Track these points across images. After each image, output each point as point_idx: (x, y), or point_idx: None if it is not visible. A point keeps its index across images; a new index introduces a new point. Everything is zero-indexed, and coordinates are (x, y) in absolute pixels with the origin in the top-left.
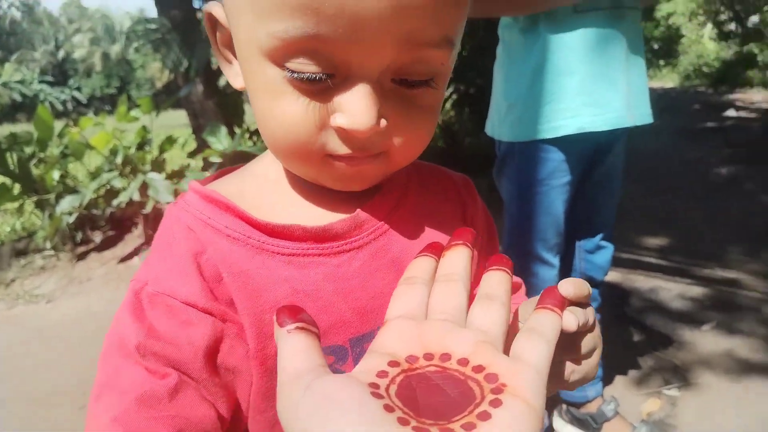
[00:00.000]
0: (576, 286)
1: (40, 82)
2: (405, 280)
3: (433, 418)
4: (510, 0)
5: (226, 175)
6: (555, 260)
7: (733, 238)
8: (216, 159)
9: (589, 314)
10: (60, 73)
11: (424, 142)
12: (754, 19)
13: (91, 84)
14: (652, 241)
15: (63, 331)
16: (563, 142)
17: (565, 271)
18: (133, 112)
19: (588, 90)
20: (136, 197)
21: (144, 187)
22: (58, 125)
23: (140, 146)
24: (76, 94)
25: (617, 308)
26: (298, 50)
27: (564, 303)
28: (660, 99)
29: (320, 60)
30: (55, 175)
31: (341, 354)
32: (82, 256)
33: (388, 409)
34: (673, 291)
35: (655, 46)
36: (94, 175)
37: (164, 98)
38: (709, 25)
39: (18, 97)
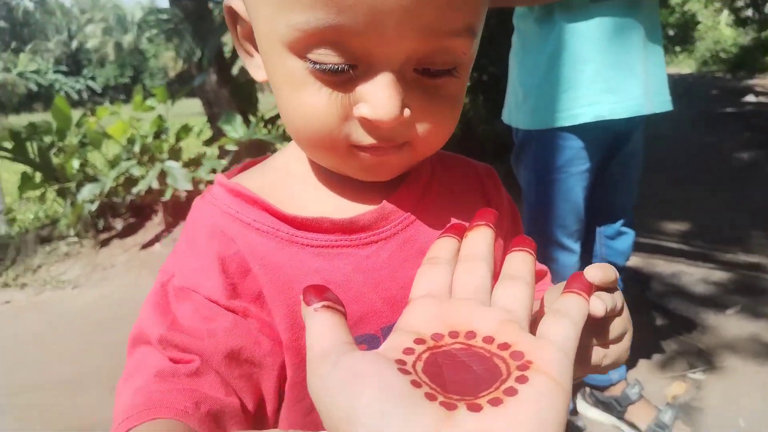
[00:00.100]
0: (603, 270)
1: (55, 72)
2: (428, 260)
3: (460, 393)
4: None
5: (251, 168)
6: (576, 246)
7: (755, 223)
8: (232, 147)
9: (617, 298)
10: (74, 62)
11: (448, 131)
12: None
13: (104, 73)
14: (672, 227)
15: (89, 317)
16: (581, 130)
17: (586, 257)
18: (149, 102)
19: (605, 77)
20: (155, 185)
21: (162, 175)
22: (75, 115)
23: (157, 135)
24: (90, 83)
25: (640, 293)
26: (319, 41)
27: (591, 288)
28: (677, 85)
29: (341, 50)
30: (75, 163)
31: (374, 343)
32: (105, 243)
33: (416, 384)
34: (695, 275)
35: (671, 33)
36: (112, 163)
37: (178, 87)
38: (726, 12)
39: (34, 87)
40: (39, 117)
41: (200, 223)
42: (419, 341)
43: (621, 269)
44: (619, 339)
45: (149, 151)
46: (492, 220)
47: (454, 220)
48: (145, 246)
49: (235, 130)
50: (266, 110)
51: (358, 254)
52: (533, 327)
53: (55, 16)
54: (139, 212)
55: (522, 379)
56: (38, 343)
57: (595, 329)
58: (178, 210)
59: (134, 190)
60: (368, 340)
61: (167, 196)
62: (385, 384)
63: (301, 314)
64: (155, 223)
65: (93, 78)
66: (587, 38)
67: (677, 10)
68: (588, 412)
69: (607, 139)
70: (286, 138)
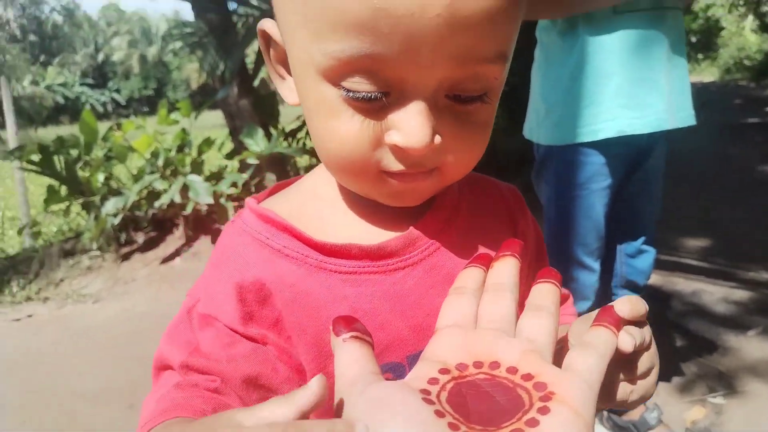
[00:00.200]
0: (632, 305)
1: (81, 84)
2: (454, 290)
3: (483, 424)
4: (550, 2)
5: (280, 192)
6: (595, 265)
7: None
8: (253, 160)
9: (646, 333)
10: (100, 75)
11: (478, 156)
12: None
13: (129, 86)
14: (693, 243)
15: (110, 331)
16: (603, 146)
17: (606, 276)
18: (173, 115)
19: (627, 92)
20: (177, 199)
21: (184, 189)
22: (101, 127)
23: (180, 148)
24: (115, 95)
25: (658, 312)
26: (353, 69)
27: (620, 322)
28: (699, 94)
29: (375, 79)
30: (100, 177)
31: (399, 371)
32: (126, 257)
33: (439, 414)
34: (716, 294)
35: (693, 39)
36: (136, 177)
37: (200, 99)
38: (750, 17)
39: (61, 100)
40: (65, 129)
41: (227, 249)
42: (444, 371)
43: (641, 289)
44: (646, 374)
45: (172, 165)
46: (518, 251)
47: (480, 246)
48: (166, 260)
49: (257, 143)
50: (287, 123)
51: (385, 281)
52: (559, 357)
53: (82, 29)
54: (161, 226)
55: (544, 410)
56: (59, 357)
57: (622, 364)
58: (198, 224)
59: (157, 204)
60: (394, 368)
61: (188, 210)
62: (410, 413)
63: (328, 341)
64: (176, 237)
65: (118, 90)
66: (611, 52)
67: (700, 16)
68: None
69: (629, 155)
70: (306, 151)
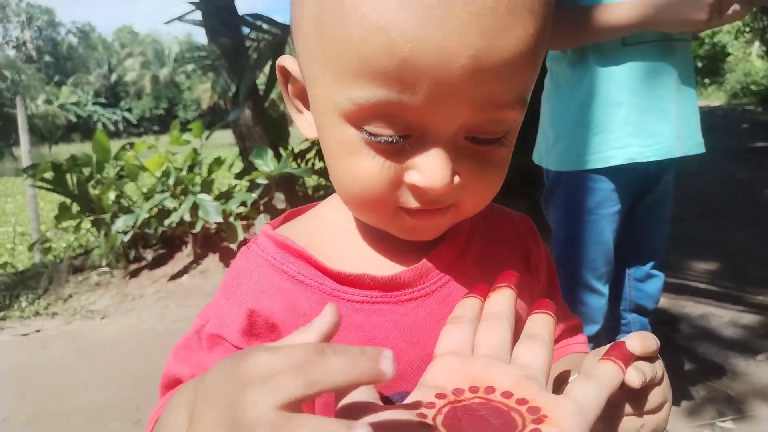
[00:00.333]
0: (643, 341)
1: (94, 103)
2: (452, 319)
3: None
4: (560, 33)
5: (294, 220)
6: (604, 289)
7: None
8: (262, 180)
9: (658, 368)
10: (112, 95)
11: (493, 194)
12: None
13: (141, 105)
14: (701, 266)
15: (117, 347)
16: (612, 172)
17: (615, 300)
18: (185, 136)
19: (636, 121)
20: (187, 217)
21: (194, 208)
22: (112, 146)
23: (190, 168)
24: (126, 114)
25: (666, 335)
26: (376, 115)
27: (630, 358)
28: (706, 118)
29: (397, 123)
30: (111, 195)
31: None
32: (134, 274)
33: None
34: (724, 318)
35: (700, 65)
36: (147, 195)
37: (210, 119)
38: (757, 43)
39: (73, 118)
40: (77, 147)
41: (241, 273)
42: (440, 396)
43: (650, 313)
44: (658, 409)
45: (182, 184)
46: (514, 282)
47: (492, 279)
48: (174, 277)
49: (266, 164)
50: (296, 143)
51: (398, 311)
52: (562, 387)
53: (96, 50)
54: (170, 243)
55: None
56: (66, 372)
57: (633, 398)
58: (207, 242)
59: (166, 222)
60: (405, 398)
61: (197, 228)
62: None
63: None
64: (184, 255)
65: (129, 110)
66: (620, 81)
67: (707, 42)
68: None
69: (638, 181)
70: (315, 172)
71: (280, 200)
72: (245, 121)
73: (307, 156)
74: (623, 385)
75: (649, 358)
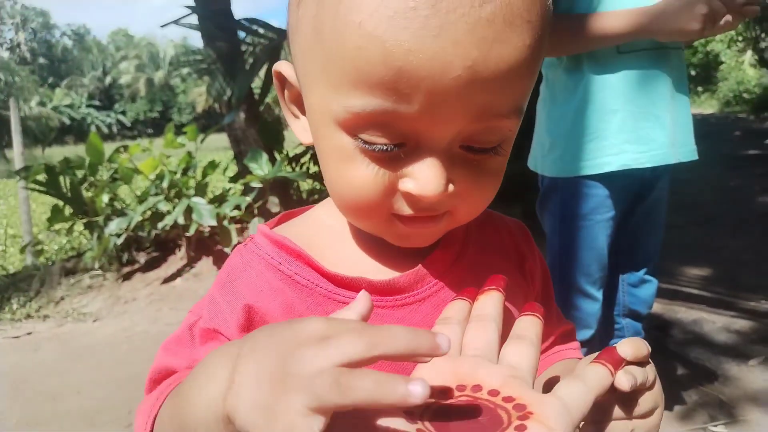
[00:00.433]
0: (634, 346)
1: (88, 106)
2: (441, 321)
3: None
4: (555, 41)
5: (291, 221)
6: (598, 294)
7: None
8: (256, 184)
9: (649, 373)
10: (106, 97)
11: (488, 202)
12: None
13: (135, 108)
14: (693, 272)
15: (109, 350)
16: (607, 178)
17: (609, 305)
18: (180, 139)
19: (631, 127)
20: (181, 220)
21: (188, 211)
22: (106, 149)
23: (185, 171)
24: (120, 117)
25: (659, 340)
26: (371, 123)
27: (620, 362)
28: (699, 126)
29: (392, 131)
30: (105, 198)
31: None
32: (127, 277)
33: None
34: (717, 323)
35: (693, 73)
36: (140, 198)
37: (205, 122)
38: (750, 52)
39: (67, 120)
40: (70, 149)
41: (237, 269)
42: None
43: (643, 318)
44: (649, 414)
45: (176, 187)
46: (502, 285)
47: None
48: (167, 280)
49: (261, 167)
50: (291, 147)
51: (393, 315)
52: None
53: (91, 53)
54: (163, 246)
55: (521, 428)
56: (57, 375)
57: (625, 403)
58: (201, 245)
59: (160, 225)
60: None
61: (191, 232)
62: (392, 431)
63: None
64: (178, 258)
65: (123, 112)
66: (615, 89)
67: (700, 50)
68: None
69: (633, 188)
70: (309, 176)
71: (274, 204)
72: (240, 124)
73: (302, 160)
74: (614, 389)
75: (641, 363)
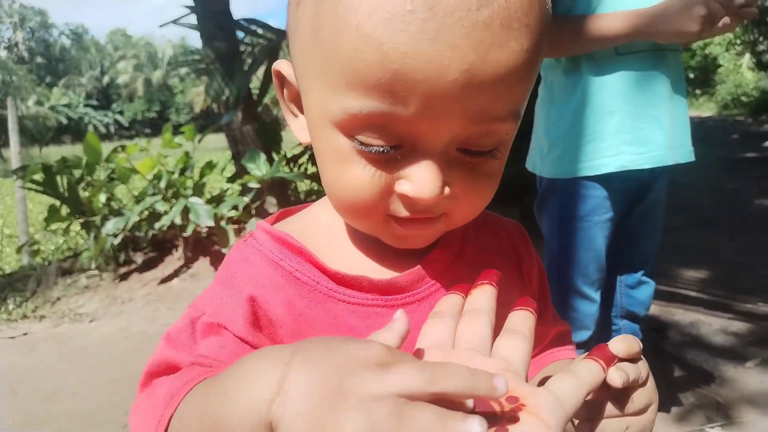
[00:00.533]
0: (626, 343)
1: (85, 105)
2: (434, 315)
3: None
4: (554, 42)
5: (289, 218)
6: (596, 295)
7: None
8: (254, 184)
9: (642, 370)
10: (104, 97)
11: (485, 204)
12: None
13: (133, 108)
14: (691, 274)
15: (105, 350)
16: (605, 179)
17: (606, 306)
18: (177, 139)
19: (629, 128)
20: (178, 221)
21: (185, 211)
22: (103, 148)
23: (182, 171)
24: (118, 117)
25: (656, 342)
26: (368, 125)
27: (612, 359)
28: (697, 129)
29: (389, 133)
30: (102, 198)
31: None
32: (124, 277)
33: None
34: (714, 326)
35: (691, 76)
36: (138, 198)
37: (203, 122)
38: (747, 55)
39: (64, 120)
40: (67, 149)
41: (239, 265)
42: None
43: (641, 319)
44: (643, 410)
45: (174, 187)
46: (495, 280)
47: None
48: (164, 281)
49: (259, 168)
50: (289, 148)
51: (392, 315)
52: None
53: (89, 52)
54: (160, 247)
55: (513, 420)
56: (54, 376)
57: (618, 400)
58: (198, 246)
59: (157, 225)
60: None
61: (188, 232)
62: None
63: None
64: (175, 258)
65: (121, 112)
66: (613, 90)
67: (698, 53)
68: None
69: (631, 189)
70: (307, 176)
71: (272, 204)
72: (238, 125)
73: (300, 160)
74: (608, 387)
75: (633, 360)
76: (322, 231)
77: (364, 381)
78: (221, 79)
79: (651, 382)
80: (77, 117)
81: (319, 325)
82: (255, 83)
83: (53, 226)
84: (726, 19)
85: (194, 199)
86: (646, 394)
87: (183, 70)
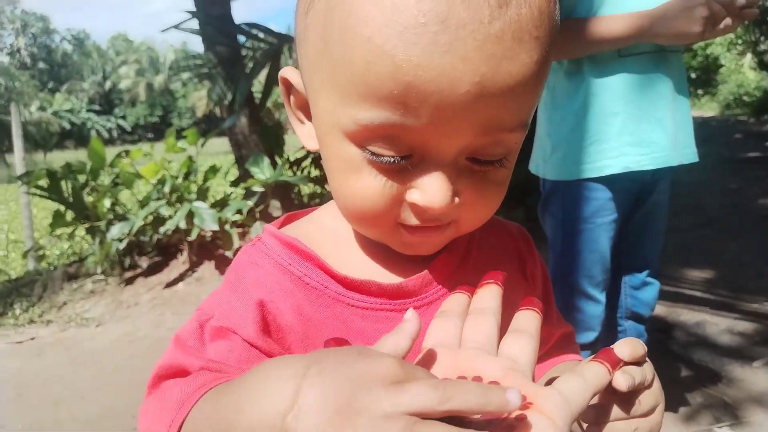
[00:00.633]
0: (632, 347)
1: (88, 110)
2: (440, 314)
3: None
4: (557, 44)
5: (296, 222)
6: (601, 296)
7: None
8: (258, 188)
9: (647, 372)
10: (106, 102)
11: (493, 212)
12: None
13: (135, 113)
14: (696, 274)
15: (111, 355)
16: (609, 181)
17: (612, 307)
18: (180, 143)
19: (632, 130)
20: (182, 225)
21: (189, 215)
22: (107, 153)
23: (186, 175)
24: (121, 122)
25: (663, 343)
26: (379, 136)
27: (617, 362)
28: (700, 129)
29: (400, 144)
30: (107, 203)
31: None
32: (129, 281)
33: None
34: (720, 326)
35: (693, 76)
36: (142, 203)
37: (205, 126)
38: (749, 55)
39: (67, 125)
40: (70, 154)
41: (248, 270)
42: None
43: (646, 320)
44: (650, 412)
45: (178, 191)
46: (500, 279)
47: None
48: (169, 285)
49: (263, 171)
50: (292, 151)
51: (401, 319)
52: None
53: (91, 57)
54: (165, 251)
55: (521, 418)
56: (60, 381)
57: (625, 402)
58: (202, 250)
59: (162, 230)
60: None
61: (193, 236)
62: None
63: None
64: (180, 262)
65: (124, 117)
66: (615, 91)
67: (700, 54)
68: None
69: (634, 190)
70: (311, 180)
71: (276, 208)
72: (241, 128)
73: (303, 164)
74: (614, 390)
75: (638, 363)
76: (329, 236)
77: (378, 399)
78: (223, 83)
79: (657, 384)
80: (80, 122)
81: (328, 329)
82: (257, 87)
83: (58, 231)
84: (727, 20)
85: (198, 204)
86: (652, 396)
87: (185, 75)
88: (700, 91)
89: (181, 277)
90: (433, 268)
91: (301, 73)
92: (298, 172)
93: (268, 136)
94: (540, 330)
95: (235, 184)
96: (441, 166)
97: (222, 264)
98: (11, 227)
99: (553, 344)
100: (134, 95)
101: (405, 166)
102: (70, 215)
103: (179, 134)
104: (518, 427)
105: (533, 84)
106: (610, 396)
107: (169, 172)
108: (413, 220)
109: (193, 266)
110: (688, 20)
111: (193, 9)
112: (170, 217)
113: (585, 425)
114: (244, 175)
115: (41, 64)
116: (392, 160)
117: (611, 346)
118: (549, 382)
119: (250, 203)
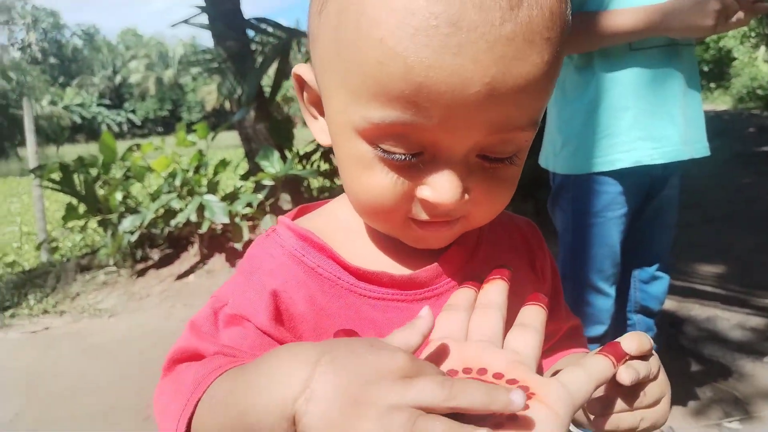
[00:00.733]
0: (638, 341)
1: (98, 105)
2: (447, 308)
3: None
4: (566, 40)
5: (309, 214)
6: (611, 290)
7: None
8: (268, 182)
9: (653, 365)
10: (117, 96)
11: (502, 208)
12: None
13: (145, 107)
14: (707, 269)
15: (124, 346)
16: (619, 175)
17: (621, 301)
18: (190, 137)
19: (644, 124)
20: (193, 218)
21: (200, 208)
22: (119, 147)
23: (196, 169)
24: (131, 116)
25: (673, 337)
26: (390, 134)
27: (623, 356)
28: (712, 122)
29: (411, 142)
30: (118, 196)
31: None
32: (141, 273)
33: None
34: (731, 320)
35: (706, 69)
36: (153, 196)
37: (214, 120)
38: (763, 48)
39: (78, 119)
40: (81, 148)
41: (262, 260)
42: None
43: (655, 314)
44: (656, 403)
45: (189, 185)
46: (507, 276)
47: None
48: (180, 277)
49: (272, 165)
50: (301, 145)
51: (412, 309)
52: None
53: (101, 52)
54: (176, 243)
55: (524, 407)
56: (74, 371)
57: (631, 394)
58: (213, 242)
59: (173, 222)
60: None
61: (204, 229)
62: None
63: None
64: (191, 255)
65: (133, 111)
66: (626, 86)
67: (712, 47)
68: None
69: (645, 184)
70: (320, 173)
71: (286, 201)
72: (251, 122)
73: (313, 158)
74: (619, 384)
75: (644, 357)
76: (341, 228)
77: (386, 391)
78: (233, 78)
79: (663, 375)
80: (91, 116)
81: (340, 319)
82: (266, 81)
83: (71, 224)
84: (740, 14)
85: (209, 197)
86: (658, 388)
87: (194, 69)
88: (712, 85)
89: (192, 270)
90: (444, 261)
91: (314, 70)
92: (308, 166)
93: (278, 130)
94: (545, 324)
95: (245, 177)
96: (451, 164)
97: (232, 256)
98: (24, 220)
99: (561, 337)
100: (144, 89)
101: (416, 163)
102: (82, 208)
103: (189, 128)
104: (520, 417)
105: (544, 84)
106: (615, 388)
107: (180, 165)
108: (424, 216)
109: (204, 258)
110: (700, 13)
111: (203, 4)
112: (181, 210)
113: (591, 416)
114: (254, 169)
115: (52, 59)
116: (403, 157)
117: (617, 340)
118: (553, 374)
119: (260, 196)
